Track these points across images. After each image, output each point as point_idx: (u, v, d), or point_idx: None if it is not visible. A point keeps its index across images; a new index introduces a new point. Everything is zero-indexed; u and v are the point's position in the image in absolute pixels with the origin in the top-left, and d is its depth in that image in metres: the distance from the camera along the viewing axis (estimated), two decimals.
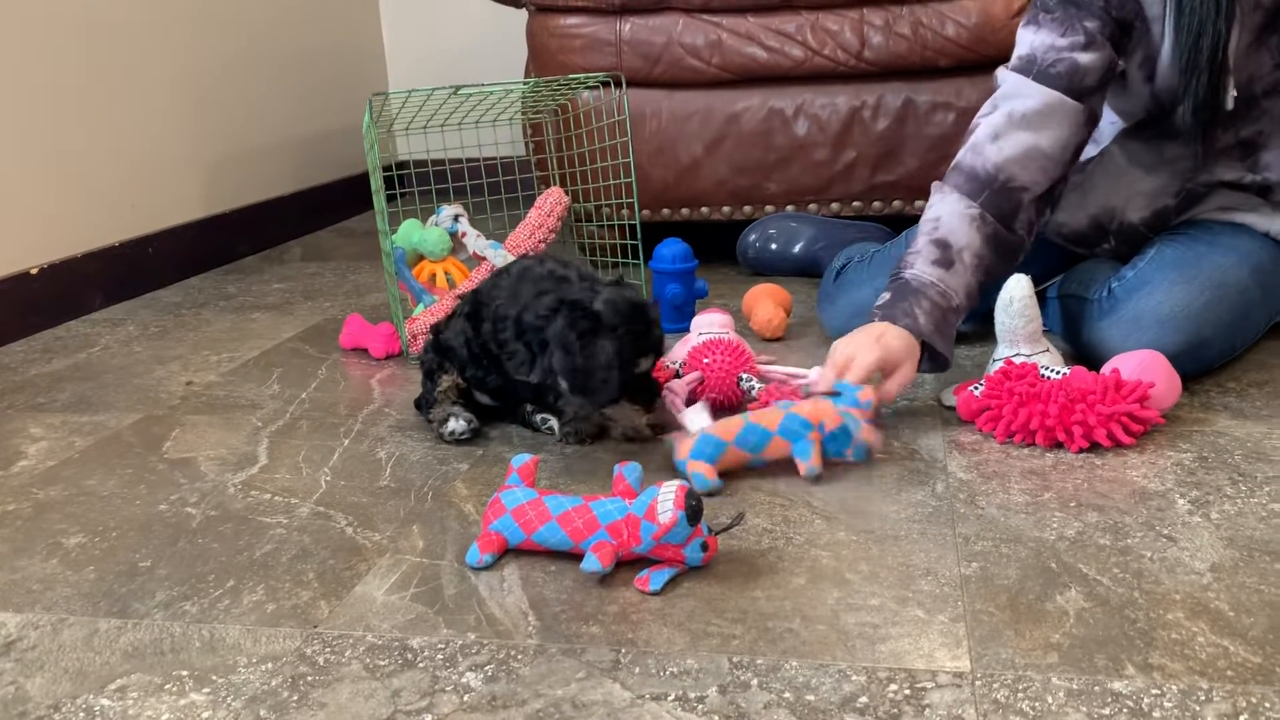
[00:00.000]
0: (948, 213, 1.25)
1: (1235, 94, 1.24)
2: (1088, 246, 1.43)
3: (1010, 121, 1.27)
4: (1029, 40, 1.29)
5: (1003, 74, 1.32)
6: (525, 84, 1.56)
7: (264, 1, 2.47)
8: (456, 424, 1.20)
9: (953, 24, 1.75)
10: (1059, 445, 1.10)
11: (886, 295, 1.23)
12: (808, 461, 1.05)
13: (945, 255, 1.22)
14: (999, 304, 1.22)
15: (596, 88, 1.81)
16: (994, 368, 1.20)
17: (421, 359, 1.30)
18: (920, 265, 1.22)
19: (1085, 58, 1.26)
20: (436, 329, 1.29)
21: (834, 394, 1.12)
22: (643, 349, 1.13)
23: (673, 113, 1.88)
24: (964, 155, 1.28)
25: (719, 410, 1.20)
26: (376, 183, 1.46)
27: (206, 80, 2.25)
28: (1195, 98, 1.24)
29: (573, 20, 1.86)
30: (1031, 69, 1.28)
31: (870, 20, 1.77)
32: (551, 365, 1.12)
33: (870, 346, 1.16)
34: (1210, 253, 1.29)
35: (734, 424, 1.06)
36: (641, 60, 1.85)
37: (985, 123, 1.29)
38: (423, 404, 1.27)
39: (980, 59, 1.76)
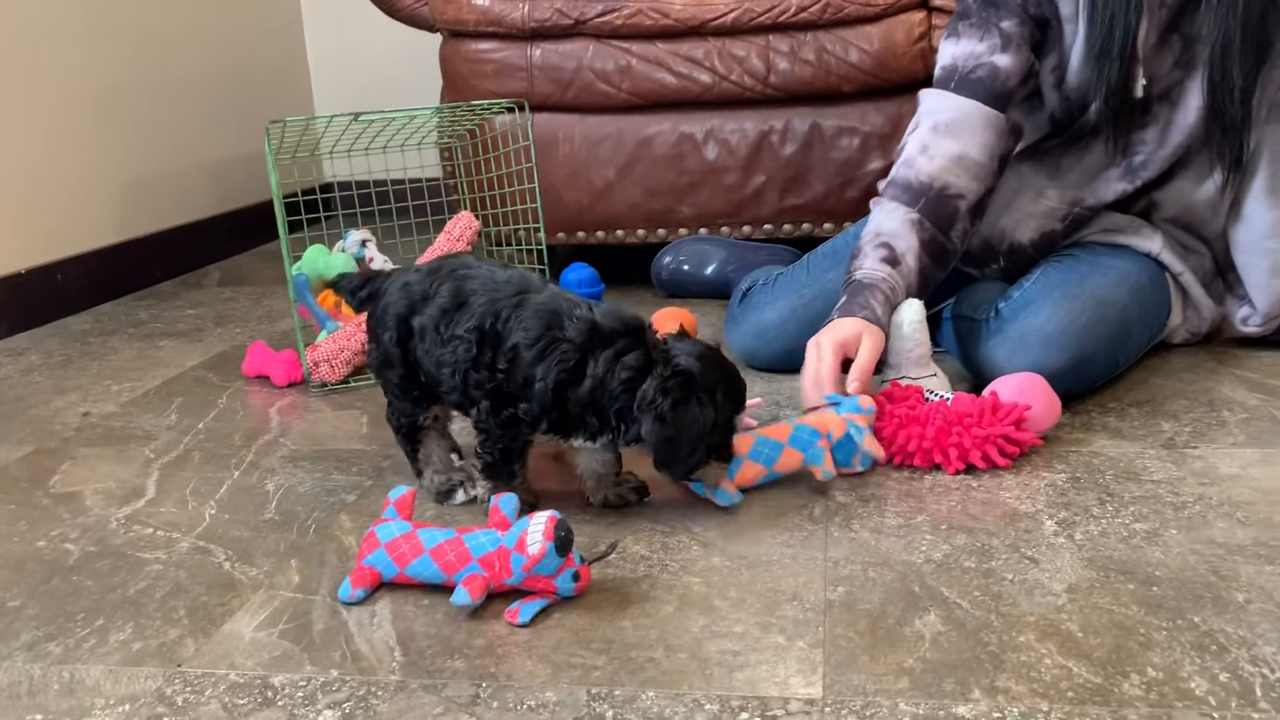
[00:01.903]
0: (888, 219, 1.30)
1: (1145, 83, 1.29)
2: (978, 267, 1.46)
3: (935, 133, 1.32)
4: (950, 51, 1.36)
5: (924, 93, 1.38)
6: (427, 111, 1.57)
7: (183, 23, 2.45)
8: (465, 492, 1.11)
9: (856, 50, 1.78)
10: (938, 467, 1.12)
11: (843, 298, 1.27)
12: (821, 466, 1.08)
13: (891, 255, 1.28)
14: (890, 327, 1.24)
15: (502, 113, 1.82)
16: (881, 390, 1.23)
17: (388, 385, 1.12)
18: (869, 264, 1.27)
19: (1004, 60, 1.31)
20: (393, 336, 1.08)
21: (834, 404, 1.15)
22: (739, 406, 1.02)
23: (585, 137, 1.90)
24: (898, 170, 1.34)
25: None
26: (279, 210, 1.46)
27: (122, 103, 2.22)
28: (1108, 84, 1.29)
29: (484, 45, 1.87)
30: (952, 79, 1.34)
31: (776, 46, 1.80)
32: (638, 436, 0.99)
33: (820, 354, 1.20)
34: (1092, 273, 1.33)
35: (744, 439, 1.07)
36: (553, 85, 1.86)
37: (913, 139, 1.34)
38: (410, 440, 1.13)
39: (883, 84, 1.79)
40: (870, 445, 1.11)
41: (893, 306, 1.25)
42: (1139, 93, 1.30)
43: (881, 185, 1.37)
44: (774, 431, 1.10)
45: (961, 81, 1.33)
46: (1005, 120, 1.33)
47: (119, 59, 2.22)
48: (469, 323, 1.03)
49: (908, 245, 1.29)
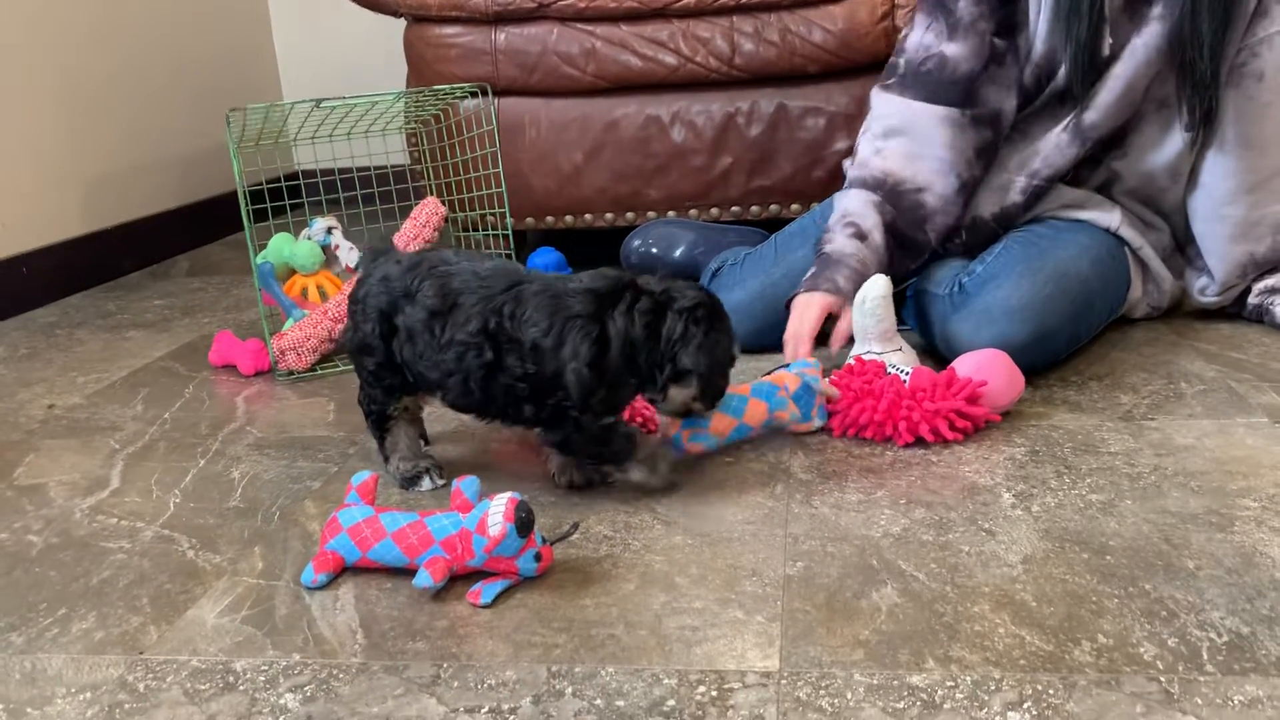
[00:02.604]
0: (851, 201, 1.37)
1: (1111, 41, 1.32)
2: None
3: (886, 133, 1.39)
4: (905, 45, 1.40)
5: (873, 95, 1.43)
6: (390, 96, 1.56)
7: (149, 12, 2.42)
8: (431, 480, 1.10)
9: (820, 30, 1.78)
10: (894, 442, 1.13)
11: (813, 269, 1.34)
12: (788, 410, 1.15)
13: (859, 231, 1.34)
14: (855, 302, 1.26)
15: (465, 97, 1.81)
16: (845, 364, 1.24)
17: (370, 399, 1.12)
18: (839, 240, 1.34)
19: (951, 48, 1.35)
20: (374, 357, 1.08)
21: (783, 367, 1.22)
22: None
23: (551, 121, 1.89)
24: (855, 171, 1.40)
25: None
26: (242, 197, 1.45)
27: (86, 93, 2.20)
28: (1077, 42, 1.32)
29: (448, 30, 1.86)
30: (906, 75, 1.38)
31: (740, 28, 1.80)
32: (674, 374, 1.01)
33: (804, 313, 1.29)
34: (1053, 247, 1.34)
35: None
36: (518, 69, 1.86)
37: (865, 140, 1.41)
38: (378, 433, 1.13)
39: (848, 64, 1.80)
40: (826, 387, 1.18)
41: (861, 277, 1.30)
42: (1106, 51, 1.32)
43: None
44: (735, 389, 1.13)
45: (914, 78, 1.37)
46: (962, 114, 1.35)
47: (84, 49, 2.20)
48: (470, 325, 1.01)
49: (873, 223, 1.34)
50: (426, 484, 1.11)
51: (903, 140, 1.36)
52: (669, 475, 1.06)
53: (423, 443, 1.18)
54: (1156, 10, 1.30)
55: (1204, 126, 1.35)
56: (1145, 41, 1.31)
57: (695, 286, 1.04)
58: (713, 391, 1.05)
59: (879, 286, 1.25)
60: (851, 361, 1.24)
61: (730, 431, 1.13)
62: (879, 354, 1.24)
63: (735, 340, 1.06)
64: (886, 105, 1.38)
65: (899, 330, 1.28)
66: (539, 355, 0.99)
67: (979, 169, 1.39)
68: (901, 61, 1.39)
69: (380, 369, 1.09)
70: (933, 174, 1.35)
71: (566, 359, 0.98)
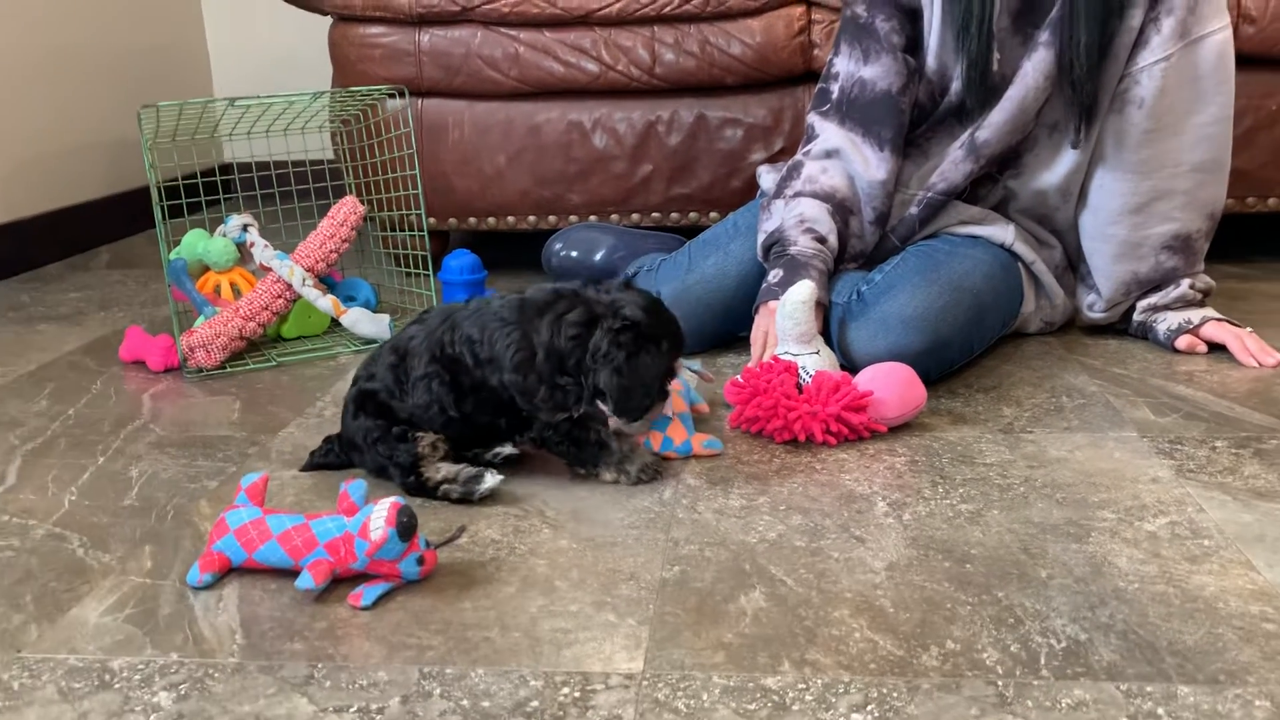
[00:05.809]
0: (807, 208, 1.42)
1: (999, 56, 1.38)
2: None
3: (827, 154, 1.45)
4: (833, 71, 1.46)
5: (811, 119, 1.48)
6: (306, 96, 1.57)
7: (77, 1, 2.39)
8: (491, 479, 1.07)
9: (738, 43, 1.82)
10: (788, 447, 1.18)
11: (779, 273, 1.38)
12: (662, 433, 1.17)
13: (819, 235, 1.40)
14: (779, 303, 1.30)
15: (382, 99, 1.82)
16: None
17: (356, 441, 1.13)
18: (803, 243, 1.40)
19: (868, 71, 1.42)
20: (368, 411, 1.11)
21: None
22: (680, 351, 1.11)
23: (475, 123, 1.91)
24: (803, 186, 1.44)
25: None
26: (155, 193, 1.45)
27: (4, 78, 2.17)
28: (968, 56, 1.38)
29: (373, 30, 1.87)
30: (840, 101, 1.45)
31: (661, 38, 1.83)
32: (596, 388, 1.05)
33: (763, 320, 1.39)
34: (949, 260, 1.40)
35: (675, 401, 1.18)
36: (442, 71, 1.87)
37: (808, 160, 1.45)
38: (395, 471, 1.10)
39: (765, 77, 1.84)
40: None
41: (828, 275, 1.40)
42: (995, 65, 1.38)
43: (769, 194, 1.49)
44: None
45: (848, 106, 1.44)
46: (888, 147, 1.42)
47: (8, 34, 2.17)
48: (423, 358, 1.09)
49: (829, 228, 1.41)
50: (489, 480, 1.07)
51: (840, 163, 1.43)
52: (640, 475, 1.11)
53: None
54: (1044, 36, 1.36)
55: (1087, 121, 1.39)
56: (1035, 66, 1.36)
57: (643, 301, 1.07)
58: (627, 411, 1.07)
59: (800, 291, 1.28)
60: (769, 360, 1.27)
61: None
62: (795, 355, 1.28)
63: (670, 358, 1.08)
64: (824, 130, 1.45)
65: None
66: (481, 367, 1.07)
67: (892, 200, 1.45)
68: (834, 89, 1.45)
69: (379, 429, 1.10)
70: (860, 202, 1.43)
71: (502, 366, 1.06)
